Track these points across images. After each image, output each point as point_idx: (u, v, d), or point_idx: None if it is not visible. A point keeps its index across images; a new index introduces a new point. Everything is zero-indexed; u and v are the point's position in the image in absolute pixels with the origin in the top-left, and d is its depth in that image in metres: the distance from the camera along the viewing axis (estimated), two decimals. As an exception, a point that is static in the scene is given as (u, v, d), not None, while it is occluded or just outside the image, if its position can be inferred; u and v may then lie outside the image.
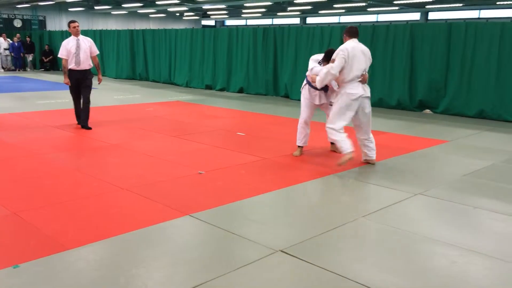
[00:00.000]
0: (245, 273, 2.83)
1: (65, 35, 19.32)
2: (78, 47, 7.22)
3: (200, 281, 2.71)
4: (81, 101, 7.45)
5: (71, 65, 7.22)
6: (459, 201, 4.20)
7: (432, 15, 28.74)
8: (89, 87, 7.44)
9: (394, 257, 3.09)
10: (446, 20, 11.78)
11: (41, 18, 28.65)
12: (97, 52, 7.57)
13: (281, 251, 3.12)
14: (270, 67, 12.31)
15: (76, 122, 7.64)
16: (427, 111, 9.71)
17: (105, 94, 12.17)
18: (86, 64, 7.30)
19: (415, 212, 3.97)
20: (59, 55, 7.32)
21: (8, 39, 20.35)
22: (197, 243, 3.29)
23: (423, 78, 9.66)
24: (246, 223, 3.62)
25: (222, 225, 3.54)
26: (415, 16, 28.85)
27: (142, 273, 2.80)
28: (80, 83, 7.36)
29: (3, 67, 20.03)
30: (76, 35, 7.30)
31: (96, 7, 27.97)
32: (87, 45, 7.35)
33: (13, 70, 20.23)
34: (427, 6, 26.06)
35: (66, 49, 7.21)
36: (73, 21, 7.39)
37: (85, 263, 2.93)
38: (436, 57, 9.44)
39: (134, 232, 3.38)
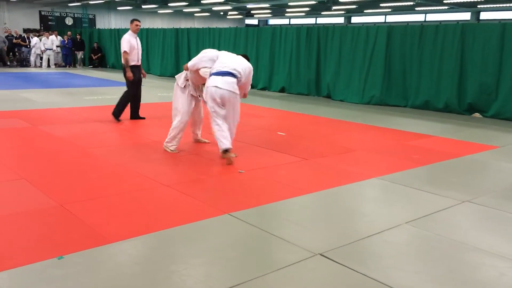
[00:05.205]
0: (283, 275, 2.79)
1: (113, 33, 19.87)
2: (138, 44, 7.74)
3: (237, 281, 2.69)
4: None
5: (134, 62, 7.64)
6: (509, 210, 3.99)
7: (483, 15, 27.60)
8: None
9: (439, 266, 2.96)
10: (499, 20, 11.25)
11: (91, 16, 29.61)
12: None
13: (320, 254, 3.06)
14: (312, 67, 12.17)
15: (131, 116, 8.02)
16: (476, 114, 9.32)
17: (149, 91, 12.41)
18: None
19: (462, 220, 3.80)
20: (125, 49, 7.50)
21: (59, 37, 21.16)
22: (235, 242, 3.27)
23: (474, 81, 9.27)
24: (285, 224, 3.58)
25: (261, 225, 3.52)
26: (466, 16, 27.79)
27: (181, 270, 2.81)
28: (140, 80, 7.88)
29: (54, 64, 20.85)
30: (135, 32, 7.75)
31: (143, 6, 28.63)
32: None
33: (63, 66, 21.02)
34: (478, 6, 25.06)
35: (130, 44, 7.56)
36: (137, 20, 7.87)
37: (126, 257, 2.98)
38: (488, 59, 9.04)
39: (173, 229, 3.41)
